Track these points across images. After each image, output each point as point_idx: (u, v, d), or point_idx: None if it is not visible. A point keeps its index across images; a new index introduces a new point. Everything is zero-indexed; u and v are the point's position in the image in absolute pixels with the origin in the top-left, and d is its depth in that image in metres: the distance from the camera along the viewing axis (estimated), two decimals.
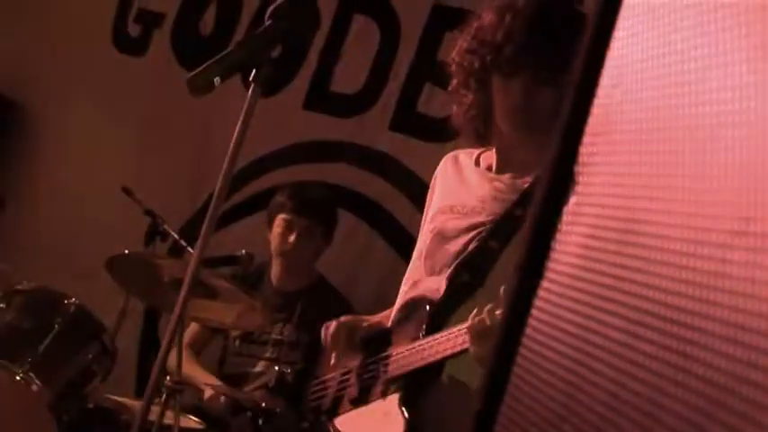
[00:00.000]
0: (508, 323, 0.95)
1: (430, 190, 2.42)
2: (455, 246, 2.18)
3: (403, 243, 4.28)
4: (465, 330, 1.97)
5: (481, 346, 1.92)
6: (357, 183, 4.36)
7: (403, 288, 2.30)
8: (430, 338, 2.09)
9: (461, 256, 2.14)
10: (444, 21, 4.19)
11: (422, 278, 2.23)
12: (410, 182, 4.27)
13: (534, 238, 0.94)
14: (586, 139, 0.91)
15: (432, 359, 2.07)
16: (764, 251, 0.60)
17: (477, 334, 1.93)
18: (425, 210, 2.39)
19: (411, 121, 4.31)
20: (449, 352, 2.03)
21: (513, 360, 0.93)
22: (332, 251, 4.02)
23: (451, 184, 2.32)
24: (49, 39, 4.77)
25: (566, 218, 0.91)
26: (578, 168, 0.91)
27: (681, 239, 0.71)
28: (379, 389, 2.19)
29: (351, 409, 2.25)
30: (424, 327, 2.13)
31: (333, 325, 2.31)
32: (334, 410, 2.29)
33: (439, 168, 2.42)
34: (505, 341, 0.93)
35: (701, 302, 0.67)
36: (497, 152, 2.27)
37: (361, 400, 2.22)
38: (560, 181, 0.92)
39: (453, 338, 2.02)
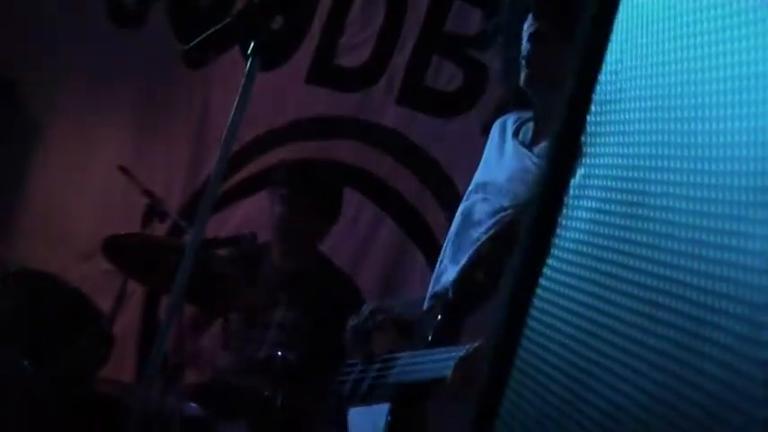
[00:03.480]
0: (511, 303, 0.93)
1: None
2: (477, 232, 2.04)
3: (411, 222, 4.26)
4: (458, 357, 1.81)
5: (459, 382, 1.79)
6: (362, 160, 4.33)
7: (435, 273, 2.18)
8: (428, 352, 1.96)
9: (475, 251, 2.00)
10: None
11: (446, 268, 2.10)
12: (418, 158, 4.24)
13: (540, 212, 0.92)
14: (594, 107, 0.89)
15: (422, 376, 1.96)
16: None
17: (461, 371, 1.79)
18: None
19: (418, 95, 4.28)
20: (437, 375, 1.89)
21: (516, 345, 0.91)
22: (336, 231, 4.00)
23: (492, 155, 2.18)
24: (39, 11, 4.75)
25: (572, 191, 0.89)
26: (585, 139, 0.89)
27: (689, 212, 0.68)
28: (381, 391, 2.11)
29: (360, 404, 2.17)
30: (431, 332, 2.00)
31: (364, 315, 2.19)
32: (350, 400, 2.21)
33: (490, 135, 2.25)
34: (508, 325, 0.91)
35: (712, 280, 0.64)
36: (534, 119, 2.12)
37: (368, 397, 2.15)
38: (567, 152, 0.90)
39: (446, 360, 1.88)
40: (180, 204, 4.45)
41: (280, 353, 3.59)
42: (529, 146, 2.09)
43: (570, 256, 0.88)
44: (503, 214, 2.01)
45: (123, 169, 3.96)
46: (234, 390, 3.57)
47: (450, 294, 2.02)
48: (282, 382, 3.50)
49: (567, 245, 0.89)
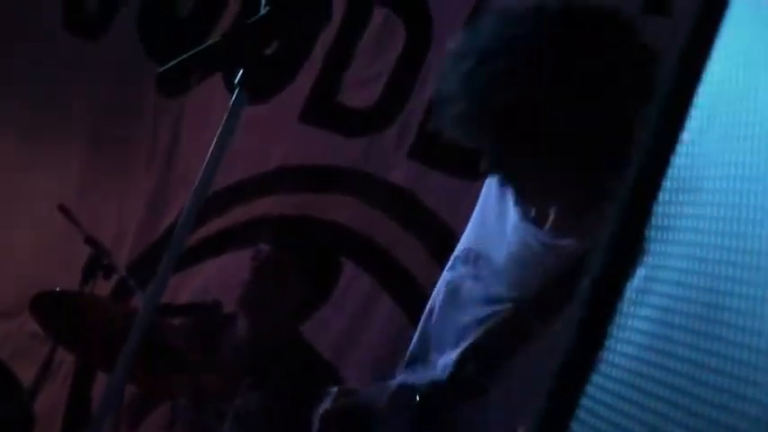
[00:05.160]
0: (545, 425, 0.94)
1: None
2: (467, 316, 2.08)
3: (414, 302, 4.25)
4: None
5: None
6: (361, 222, 4.34)
7: (407, 359, 2.23)
8: None
9: (469, 343, 2.03)
10: None
11: (427, 354, 2.16)
12: (429, 225, 4.25)
13: (586, 319, 0.93)
14: (663, 196, 0.91)
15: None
16: None
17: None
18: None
19: (437, 150, 4.30)
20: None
21: None
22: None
23: (489, 217, 2.20)
24: None
25: (630, 296, 0.91)
26: (651, 233, 0.91)
27: None
28: None
29: None
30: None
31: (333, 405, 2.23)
32: None
33: (483, 190, 2.29)
34: None
35: None
36: None
37: None
38: (626, 248, 0.92)
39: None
40: (130, 258, 4.46)
41: None
42: (534, 220, 2.11)
43: (621, 374, 0.90)
44: (500, 307, 2.03)
45: (64, 209, 3.96)
46: None
47: (433, 390, 2.05)
48: None
49: (617, 360, 0.90)
